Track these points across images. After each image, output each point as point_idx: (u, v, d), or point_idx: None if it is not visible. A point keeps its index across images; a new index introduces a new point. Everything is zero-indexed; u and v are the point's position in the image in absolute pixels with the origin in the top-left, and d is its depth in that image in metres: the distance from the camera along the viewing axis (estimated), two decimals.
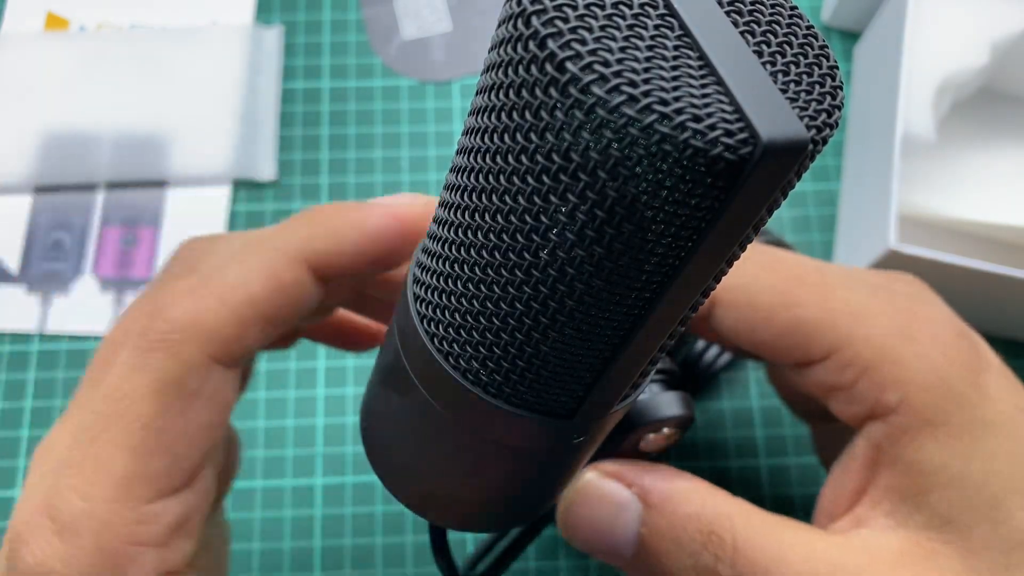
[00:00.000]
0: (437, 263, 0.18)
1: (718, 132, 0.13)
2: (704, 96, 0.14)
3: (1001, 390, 0.27)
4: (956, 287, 0.40)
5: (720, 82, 0.14)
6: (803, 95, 0.15)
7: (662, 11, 0.15)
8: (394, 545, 0.41)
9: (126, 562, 0.22)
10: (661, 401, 0.27)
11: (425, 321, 0.19)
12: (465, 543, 0.41)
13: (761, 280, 0.28)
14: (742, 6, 0.16)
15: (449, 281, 0.18)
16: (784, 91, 0.15)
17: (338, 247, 0.25)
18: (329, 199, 0.49)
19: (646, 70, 0.14)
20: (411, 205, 0.26)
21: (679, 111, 0.13)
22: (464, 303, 0.18)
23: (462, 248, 0.17)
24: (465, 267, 0.17)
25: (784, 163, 0.14)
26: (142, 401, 0.23)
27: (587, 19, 0.14)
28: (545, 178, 0.15)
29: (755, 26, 0.16)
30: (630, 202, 0.14)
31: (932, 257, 0.38)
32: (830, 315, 0.27)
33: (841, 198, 0.49)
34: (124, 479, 0.22)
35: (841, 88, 0.15)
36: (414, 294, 0.20)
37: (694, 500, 0.26)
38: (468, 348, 0.18)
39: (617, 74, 0.13)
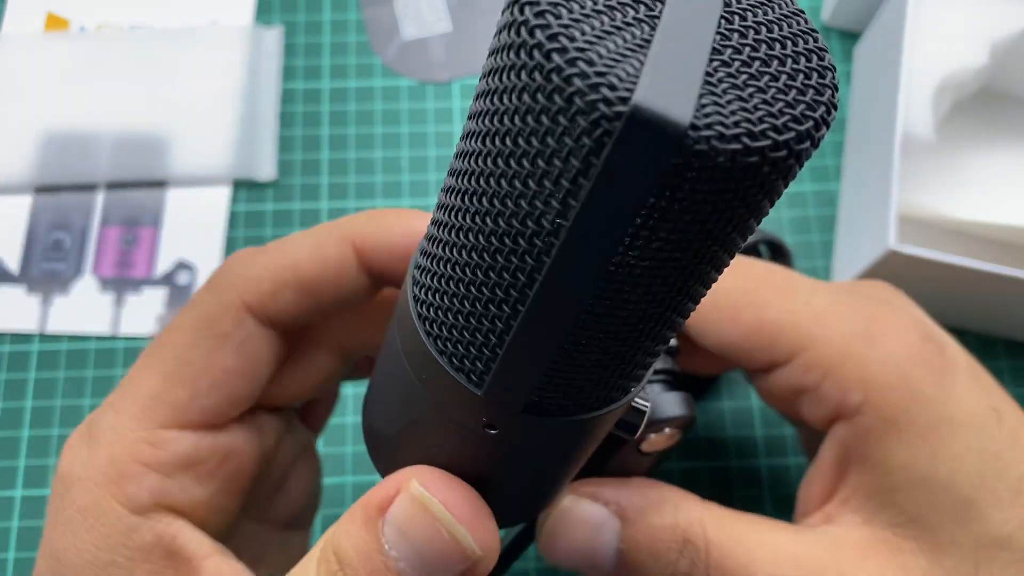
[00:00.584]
0: (433, 261, 0.19)
1: (605, 88, 0.14)
2: (628, 66, 0.14)
3: (969, 390, 0.27)
4: (956, 287, 0.40)
5: (649, 58, 0.14)
6: (776, 93, 0.15)
7: (652, 4, 0.15)
8: None
9: (128, 477, 0.23)
10: (662, 401, 0.27)
11: (419, 304, 0.20)
12: None
13: (726, 282, 0.28)
14: (749, 6, 0.16)
15: (441, 277, 0.18)
16: (734, 85, 0.15)
17: (385, 237, 0.26)
18: (329, 199, 0.49)
19: (591, 43, 0.14)
20: None
21: (598, 73, 0.14)
22: (452, 287, 0.18)
23: (458, 234, 0.18)
24: (455, 254, 0.18)
25: (657, 138, 0.13)
26: (180, 332, 0.25)
27: (579, 20, 0.15)
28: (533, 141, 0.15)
29: (748, 25, 0.16)
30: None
31: (932, 257, 0.38)
32: (793, 316, 0.28)
33: (841, 198, 0.49)
34: (148, 399, 0.24)
35: (830, 88, 0.15)
36: (413, 295, 0.20)
37: (667, 510, 0.26)
38: (455, 333, 0.19)
39: (579, 50, 0.14)
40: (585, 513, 0.27)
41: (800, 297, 0.29)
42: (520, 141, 0.15)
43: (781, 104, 0.15)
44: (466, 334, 0.18)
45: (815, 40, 0.16)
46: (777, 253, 0.33)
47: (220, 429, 0.25)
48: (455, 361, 0.19)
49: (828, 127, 0.15)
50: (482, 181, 0.17)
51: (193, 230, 0.48)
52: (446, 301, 0.19)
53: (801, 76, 0.15)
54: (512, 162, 0.16)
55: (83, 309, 0.46)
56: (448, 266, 0.18)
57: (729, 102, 0.14)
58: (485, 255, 0.17)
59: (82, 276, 0.47)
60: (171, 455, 0.24)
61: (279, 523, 0.30)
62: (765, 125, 0.14)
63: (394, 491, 0.20)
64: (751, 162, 0.14)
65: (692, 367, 0.33)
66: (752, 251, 0.35)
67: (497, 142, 0.16)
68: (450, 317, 0.19)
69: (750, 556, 0.26)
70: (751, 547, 0.26)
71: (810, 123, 0.15)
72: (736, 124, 0.14)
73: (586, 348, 0.18)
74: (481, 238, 0.17)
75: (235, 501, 0.26)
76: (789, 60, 0.16)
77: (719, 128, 0.14)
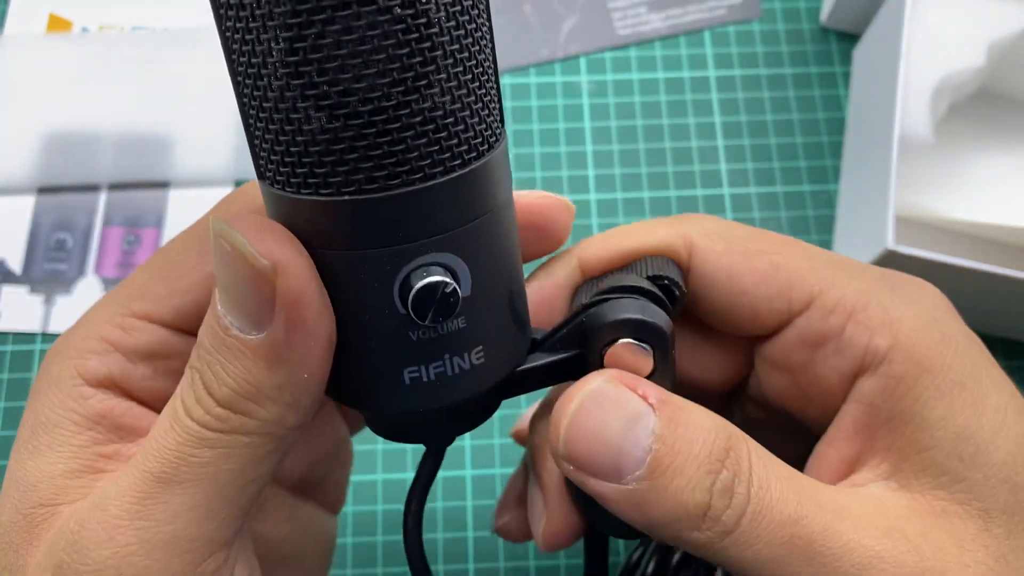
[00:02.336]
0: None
1: None
2: None
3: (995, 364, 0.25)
4: (953, 287, 0.41)
5: None
6: None
7: None
8: (395, 543, 0.42)
9: (92, 353, 0.24)
10: (616, 305, 0.24)
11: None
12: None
13: (738, 231, 0.27)
14: None
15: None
16: None
17: None
18: None
19: None
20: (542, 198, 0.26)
21: None
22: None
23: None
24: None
25: None
26: (178, 239, 0.25)
27: None
28: None
29: None
30: None
31: (929, 257, 0.38)
32: (810, 262, 0.26)
33: (839, 199, 0.49)
34: (131, 291, 0.25)
35: None
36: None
37: (708, 416, 0.23)
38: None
39: None
40: (620, 398, 0.22)
41: (813, 250, 0.26)
42: None
43: None
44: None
45: None
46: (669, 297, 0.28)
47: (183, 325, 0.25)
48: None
49: None
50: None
51: None
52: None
53: None
54: None
55: (86, 309, 0.46)
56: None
57: None
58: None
59: (85, 276, 0.47)
60: (137, 342, 0.24)
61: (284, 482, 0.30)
62: None
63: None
64: None
65: (695, 370, 0.30)
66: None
67: None
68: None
69: (799, 486, 0.22)
70: (796, 477, 0.23)
71: None
72: None
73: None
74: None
75: None
76: None
77: None
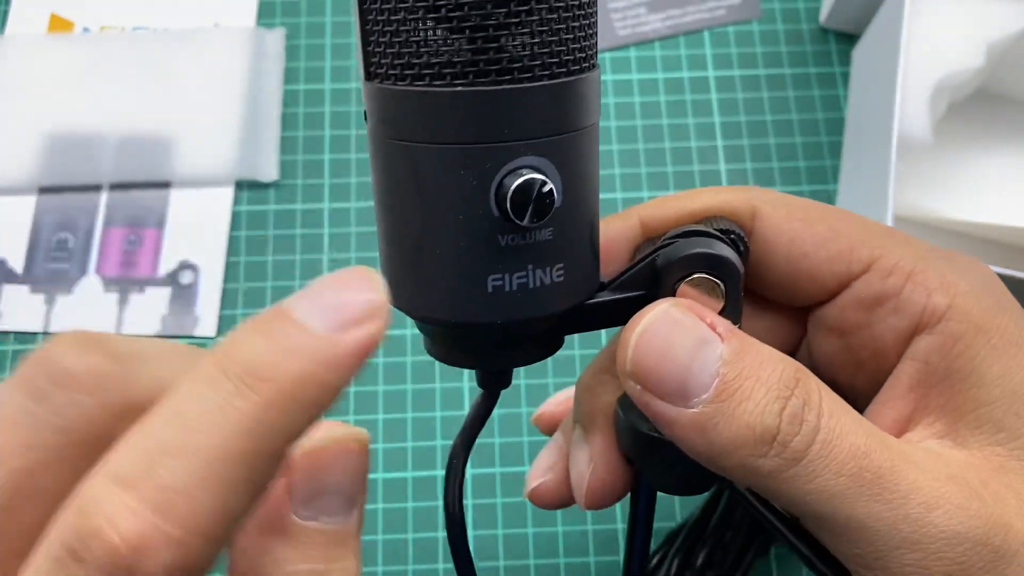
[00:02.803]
0: None
1: None
2: None
3: None
4: None
5: None
6: None
7: None
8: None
9: None
10: (690, 242, 0.24)
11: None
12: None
13: (799, 201, 0.27)
14: None
15: None
16: None
17: None
18: (331, 200, 0.49)
19: None
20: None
21: None
22: None
23: None
24: None
25: None
26: None
27: None
28: None
29: None
30: None
31: None
32: (867, 230, 0.26)
33: (838, 199, 0.49)
34: None
35: None
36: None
37: (775, 351, 0.23)
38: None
39: None
40: (690, 321, 0.23)
41: (870, 221, 0.27)
42: None
43: None
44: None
45: None
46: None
47: None
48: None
49: None
50: None
51: (196, 230, 0.48)
52: None
53: None
54: None
55: (87, 309, 0.46)
56: None
57: None
58: None
59: (86, 276, 0.47)
60: None
61: None
62: None
63: None
64: None
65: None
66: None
67: None
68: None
69: (867, 431, 0.22)
70: (866, 424, 0.23)
71: None
72: None
73: None
74: None
75: None
76: None
77: None
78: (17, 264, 0.47)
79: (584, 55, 0.22)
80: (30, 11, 0.53)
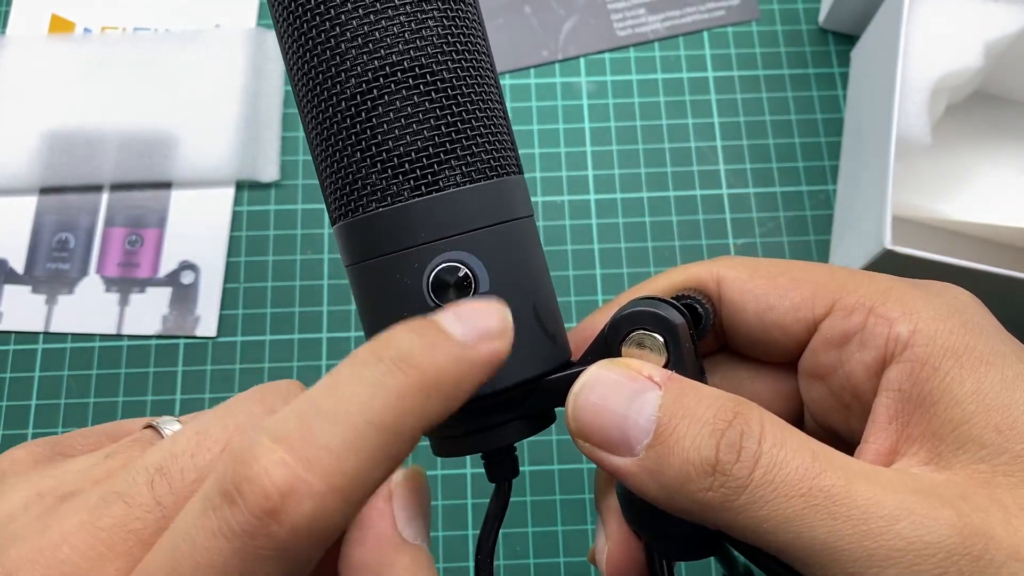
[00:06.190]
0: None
1: None
2: None
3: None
4: None
5: None
6: None
7: None
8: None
9: None
10: (629, 304, 0.26)
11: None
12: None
13: (762, 261, 0.28)
14: None
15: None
16: None
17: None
18: None
19: None
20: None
21: None
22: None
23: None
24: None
25: None
26: None
27: None
28: None
29: None
30: None
31: (926, 257, 0.39)
32: (829, 273, 0.27)
33: (837, 199, 0.50)
34: None
35: None
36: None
37: (717, 391, 0.24)
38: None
39: None
40: (622, 376, 0.24)
41: (835, 267, 0.28)
42: None
43: None
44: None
45: None
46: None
47: None
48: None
49: None
50: None
51: (197, 230, 0.48)
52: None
53: None
54: None
55: (88, 309, 0.47)
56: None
57: None
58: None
59: (87, 276, 0.47)
60: None
61: None
62: None
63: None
64: None
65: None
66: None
67: None
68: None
69: (816, 454, 0.22)
70: (818, 447, 0.22)
71: None
72: None
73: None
74: None
75: None
76: None
77: None
78: (18, 264, 0.48)
79: (495, 166, 0.25)
80: (31, 11, 0.53)
